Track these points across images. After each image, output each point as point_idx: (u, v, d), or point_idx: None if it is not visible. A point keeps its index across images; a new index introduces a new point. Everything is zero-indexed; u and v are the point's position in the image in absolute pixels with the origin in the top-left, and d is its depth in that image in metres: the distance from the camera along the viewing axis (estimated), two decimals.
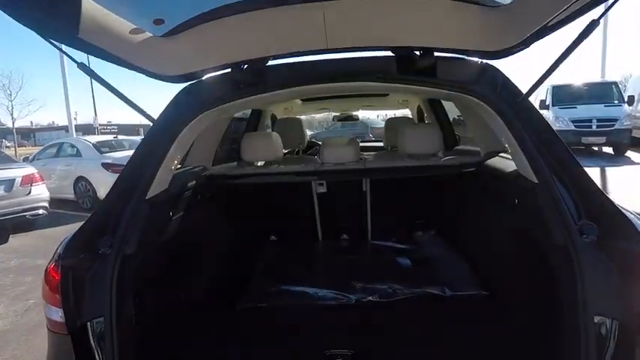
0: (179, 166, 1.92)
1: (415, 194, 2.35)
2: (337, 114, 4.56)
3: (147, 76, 1.66)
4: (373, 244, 2.48)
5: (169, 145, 1.55)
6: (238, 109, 2.13)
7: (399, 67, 1.61)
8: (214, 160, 2.91)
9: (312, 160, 3.41)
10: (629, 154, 10.18)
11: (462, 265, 2.11)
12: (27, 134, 47.73)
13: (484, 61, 1.65)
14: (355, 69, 1.63)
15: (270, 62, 1.73)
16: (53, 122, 54.23)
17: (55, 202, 7.09)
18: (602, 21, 1.25)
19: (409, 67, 1.59)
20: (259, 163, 2.55)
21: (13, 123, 28.82)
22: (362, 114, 5.62)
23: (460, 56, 1.59)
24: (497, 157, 2.06)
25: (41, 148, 10.30)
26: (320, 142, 4.85)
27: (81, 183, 7.95)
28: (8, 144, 32.56)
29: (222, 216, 2.38)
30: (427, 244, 2.40)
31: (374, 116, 13.85)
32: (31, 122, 45.59)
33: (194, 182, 2.11)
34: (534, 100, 10.50)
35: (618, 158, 9.92)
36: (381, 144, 5.01)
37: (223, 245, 2.34)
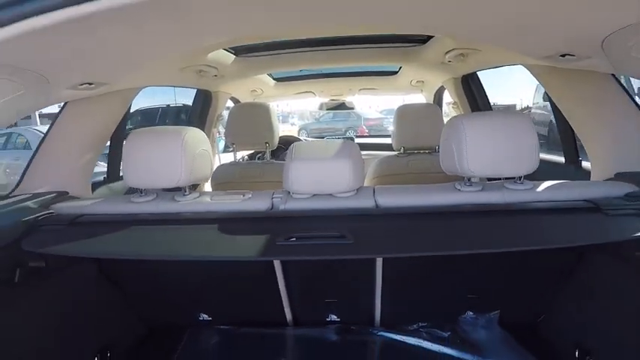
0: None
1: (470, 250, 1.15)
2: (325, 100, 3.30)
3: None
4: (385, 341, 1.30)
5: None
6: (88, 75, 0.90)
7: None
8: (111, 174, 1.69)
9: (281, 168, 2.18)
10: None
11: None
12: None
13: None
14: None
15: None
16: None
17: None
18: None
19: None
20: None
21: None
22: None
23: None
24: None
25: None
26: (302, 138, 3.64)
27: None
28: None
29: (81, 294, 1.16)
30: (491, 345, 1.24)
31: (362, 104, 12.40)
32: None
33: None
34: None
35: None
36: (378, 140, 3.79)
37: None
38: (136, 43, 0.81)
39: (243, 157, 3.08)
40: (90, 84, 0.99)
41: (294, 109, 18.09)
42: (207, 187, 2.26)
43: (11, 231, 0.95)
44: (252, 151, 3.00)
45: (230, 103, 2.66)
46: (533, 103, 9.60)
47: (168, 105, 7.54)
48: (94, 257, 1.17)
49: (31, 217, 1.01)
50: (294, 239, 0.90)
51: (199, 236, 1.00)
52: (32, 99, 0.87)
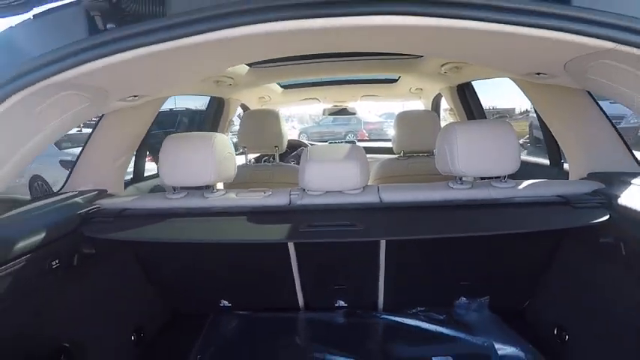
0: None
1: (463, 239, 1.33)
2: (328, 106, 3.49)
3: None
4: (387, 323, 1.47)
5: None
6: (137, 90, 1.09)
7: None
8: (137, 175, 1.86)
9: (292, 171, 2.36)
10: (635, 154, 9.40)
11: None
12: None
13: None
14: None
15: None
16: None
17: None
18: None
19: None
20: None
21: None
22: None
23: None
24: (632, 187, 1.06)
25: None
26: (307, 142, 3.83)
27: (37, 182, 6.78)
28: None
29: (120, 280, 1.35)
30: (481, 326, 1.40)
31: (362, 109, 12.62)
32: None
33: (60, 231, 1.07)
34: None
35: None
36: (378, 144, 3.97)
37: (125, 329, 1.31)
38: (183, 68, 0.99)
39: (250, 160, 3.26)
40: (135, 96, 1.16)
41: (293, 113, 18.26)
42: (219, 186, 2.43)
43: (70, 222, 1.12)
44: (258, 154, 3.17)
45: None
46: (531, 107, 9.73)
47: (171, 109, 7.77)
48: (135, 247, 1.34)
49: (84, 210, 1.18)
50: (313, 227, 1.07)
51: (228, 226, 1.17)
52: (92, 109, 1.04)
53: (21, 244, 0.92)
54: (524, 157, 2.26)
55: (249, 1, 0.69)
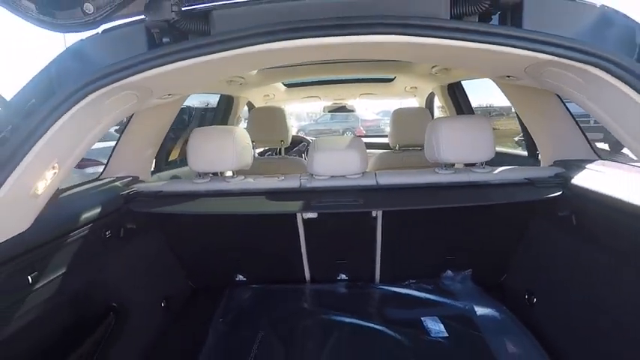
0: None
1: (448, 218, 1.56)
2: (328, 104, 3.72)
3: (24, 19, 0.89)
4: (383, 292, 1.69)
5: (30, 146, 0.87)
6: (174, 90, 1.32)
7: (456, 4, 0.87)
8: (158, 165, 2.08)
9: (297, 163, 2.59)
10: (626, 151, 9.70)
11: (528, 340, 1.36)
12: None
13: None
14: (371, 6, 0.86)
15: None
16: None
17: None
18: None
19: (476, 6, 0.86)
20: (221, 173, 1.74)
21: None
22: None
23: None
24: (585, 171, 1.30)
25: None
26: (308, 138, 4.06)
27: None
28: None
29: (153, 254, 1.58)
30: (464, 294, 1.63)
31: (360, 106, 12.83)
32: None
33: (111, 207, 1.30)
34: None
35: (615, 155, 9.46)
36: (376, 139, 4.21)
37: (156, 295, 1.54)
38: (214, 73, 1.21)
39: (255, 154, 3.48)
40: (169, 95, 1.37)
41: (290, 111, 18.31)
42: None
43: (116, 200, 1.34)
44: (261, 149, 3.39)
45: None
46: None
47: None
48: (165, 227, 1.56)
49: (125, 192, 1.40)
50: (321, 202, 1.31)
51: (247, 202, 1.41)
52: (135, 106, 1.25)
53: (85, 215, 1.15)
54: (508, 150, 2.50)
55: (276, 24, 0.91)
